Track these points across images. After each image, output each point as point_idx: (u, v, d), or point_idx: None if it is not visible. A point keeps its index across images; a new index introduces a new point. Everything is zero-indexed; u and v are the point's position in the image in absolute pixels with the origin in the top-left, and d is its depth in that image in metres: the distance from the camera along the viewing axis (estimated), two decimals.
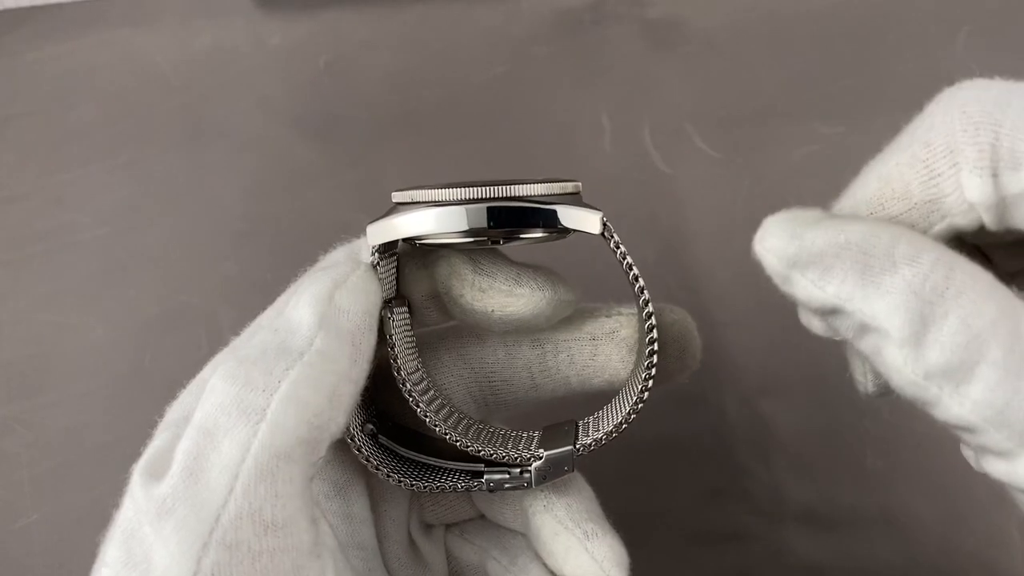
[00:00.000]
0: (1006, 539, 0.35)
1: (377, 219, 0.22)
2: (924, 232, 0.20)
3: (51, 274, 0.40)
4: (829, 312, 0.19)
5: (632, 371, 0.24)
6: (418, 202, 0.22)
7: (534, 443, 0.24)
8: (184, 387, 0.21)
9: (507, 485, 0.23)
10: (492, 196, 0.21)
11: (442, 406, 0.24)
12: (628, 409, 0.23)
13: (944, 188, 0.20)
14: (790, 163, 0.39)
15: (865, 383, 0.22)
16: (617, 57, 0.42)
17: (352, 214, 0.40)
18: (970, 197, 0.19)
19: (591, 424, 0.24)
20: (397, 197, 0.22)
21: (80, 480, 0.36)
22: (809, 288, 0.19)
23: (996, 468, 0.18)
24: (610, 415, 0.24)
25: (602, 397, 0.25)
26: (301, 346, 0.19)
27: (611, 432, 0.23)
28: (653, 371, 0.22)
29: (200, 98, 0.42)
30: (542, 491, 0.24)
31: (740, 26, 0.41)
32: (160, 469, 0.19)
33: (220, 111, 0.42)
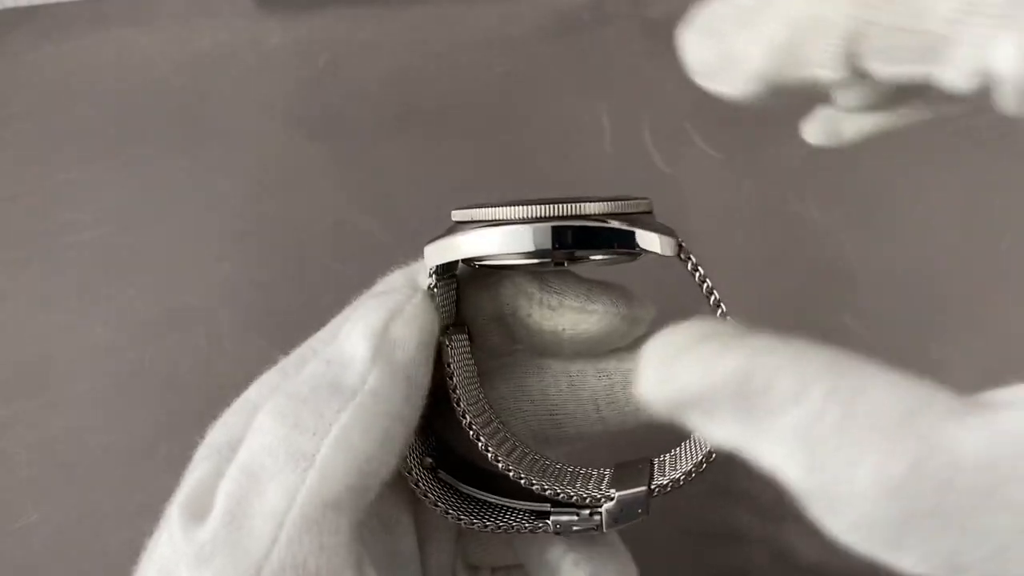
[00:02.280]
0: None
1: (435, 239, 0.21)
2: (892, 61, 0.16)
3: (51, 274, 0.40)
4: (736, 453, 0.16)
5: None
6: (479, 221, 0.21)
7: (605, 482, 0.22)
8: (228, 407, 0.21)
9: (575, 528, 0.22)
10: (560, 215, 0.20)
11: (505, 439, 0.23)
12: (709, 446, 0.21)
13: (974, 34, 0.15)
14: (790, 163, 0.39)
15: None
16: (617, 57, 0.41)
17: (352, 214, 0.40)
18: (999, 65, 0.15)
19: (667, 463, 0.23)
20: (457, 216, 0.21)
21: (80, 480, 0.36)
22: (701, 431, 0.16)
23: None
24: (688, 452, 0.22)
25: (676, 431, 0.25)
26: (354, 384, 0.19)
27: (690, 472, 0.21)
28: None
29: (200, 98, 0.42)
30: (573, 549, 0.22)
31: None
32: (201, 508, 0.18)
33: (220, 111, 0.42)
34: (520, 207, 0.20)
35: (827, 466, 0.15)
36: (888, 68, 0.16)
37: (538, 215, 0.20)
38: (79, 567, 0.35)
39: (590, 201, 0.20)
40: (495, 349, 0.24)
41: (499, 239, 0.20)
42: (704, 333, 0.16)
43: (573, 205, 0.20)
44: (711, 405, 0.16)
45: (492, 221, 0.20)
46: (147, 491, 0.38)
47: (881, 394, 0.15)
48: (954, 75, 0.16)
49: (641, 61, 0.41)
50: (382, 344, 0.19)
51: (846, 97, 0.18)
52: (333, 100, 0.42)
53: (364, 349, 0.19)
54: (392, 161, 0.41)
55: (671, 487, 0.21)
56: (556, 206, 0.20)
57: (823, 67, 0.17)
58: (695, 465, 0.21)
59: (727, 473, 0.37)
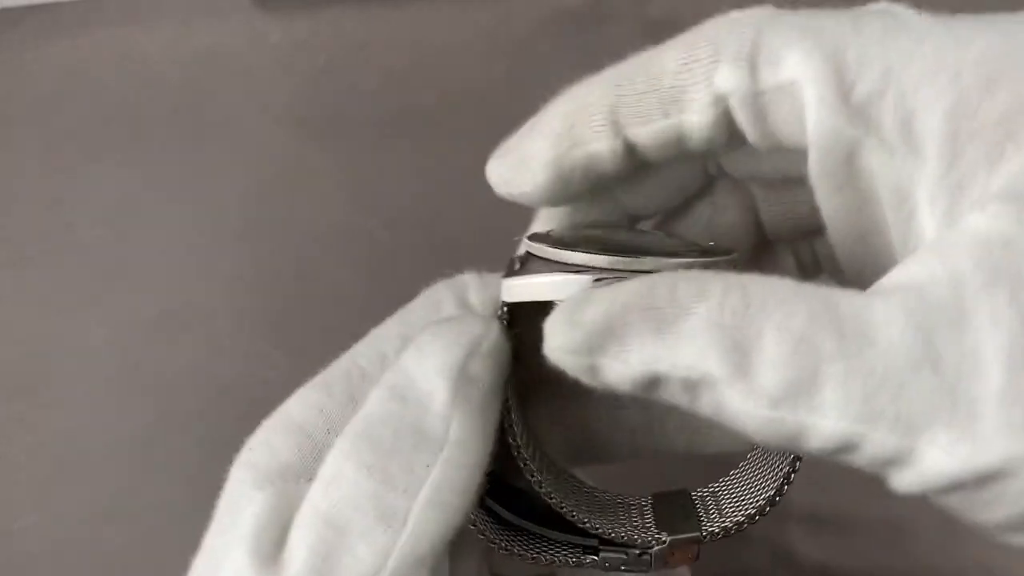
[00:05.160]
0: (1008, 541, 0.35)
1: (513, 274, 0.20)
2: (652, 124, 0.20)
3: (50, 274, 0.40)
4: (650, 386, 0.17)
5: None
6: (566, 264, 0.19)
7: (651, 521, 0.22)
8: (261, 423, 0.20)
9: (623, 567, 0.21)
10: (656, 270, 0.18)
11: (547, 465, 0.22)
12: (767, 496, 0.20)
13: (696, 75, 0.19)
14: None
15: None
16: (617, 57, 0.41)
17: (352, 214, 0.40)
18: (721, 86, 0.19)
19: (711, 501, 0.22)
20: (535, 249, 0.20)
21: (80, 481, 0.36)
22: (615, 367, 0.17)
23: (905, 480, 0.16)
24: (739, 493, 0.22)
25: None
26: (438, 432, 0.18)
27: (742, 522, 0.21)
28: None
29: (199, 97, 0.42)
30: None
31: None
32: (272, 548, 0.18)
33: (219, 110, 0.42)
34: (620, 258, 0.19)
35: (737, 341, 0.16)
36: (645, 129, 0.20)
37: (638, 268, 0.18)
38: (79, 567, 0.35)
39: (681, 255, 0.19)
40: (537, 371, 0.24)
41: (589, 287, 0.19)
42: (596, 289, 0.18)
43: (676, 259, 0.19)
44: (623, 327, 0.17)
45: (585, 268, 0.19)
46: (147, 491, 0.38)
47: (769, 280, 0.17)
48: (696, 116, 0.19)
49: None
50: (461, 385, 0.19)
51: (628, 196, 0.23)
52: (333, 100, 0.42)
53: (444, 390, 0.19)
54: (392, 161, 0.41)
55: (722, 535, 0.21)
56: (657, 259, 0.19)
57: (597, 140, 0.20)
58: (747, 517, 0.21)
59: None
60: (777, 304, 0.16)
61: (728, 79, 0.19)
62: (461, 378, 0.19)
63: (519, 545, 0.21)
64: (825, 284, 0.17)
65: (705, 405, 0.17)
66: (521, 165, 0.21)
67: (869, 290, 0.17)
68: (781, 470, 0.21)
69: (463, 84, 0.42)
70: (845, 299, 0.16)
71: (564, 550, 0.22)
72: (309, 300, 0.38)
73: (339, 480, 0.18)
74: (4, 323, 0.39)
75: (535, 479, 0.20)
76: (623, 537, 0.21)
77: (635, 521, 0.22)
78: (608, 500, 0.23)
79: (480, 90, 0.42)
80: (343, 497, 0.18)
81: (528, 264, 0.20)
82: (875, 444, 0.16)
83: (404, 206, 0.41)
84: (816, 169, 0.19)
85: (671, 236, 0.23)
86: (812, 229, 0.23)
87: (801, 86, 0.18)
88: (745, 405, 0.16)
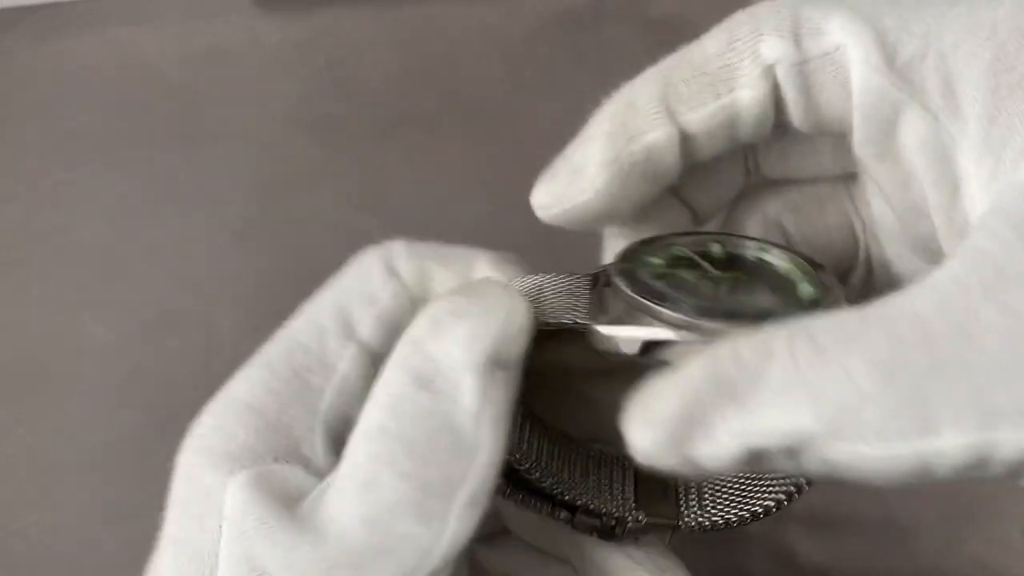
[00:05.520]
0: (1008, 541, 0.35)
1: (617, 321, 0.19)
2: (704, 108, 0.20)
3: (50, 274, 0.40)
4: (753, 460, 0.16)
5: None
6: (678, 325, 0.18)
7: (631, 495, 0.22)
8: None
9: (595, 533, 0.21)
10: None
11: (540, 436, 0.22)
12: (752, 510, 0.20)
13: (741, 52, 0.20)
14: None
15: None
16: (617, 57, 0.41)
17: (352, 214, 0.40)
18: (768, 56, 0.19)
19: (695, 493, 0.22)
20: (620, 284, 0.19)
21: (79, 481, 0.36)
22: (709, 452, 0.16)
23: None
24: (725, 494, 0.22)
25: None
26: (470, 435, 0.18)
27: (720, 524, 0.21)
28: None
29: (199, 97, 0.42)
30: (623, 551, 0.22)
31: None
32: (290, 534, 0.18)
33: (219, 111, 0.42)
34: (715, 324, 0.18)
35: (824, 387, 0.15)
36: (698, 114, 0.20)
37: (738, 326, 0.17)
38: (79, 567, 0.35)
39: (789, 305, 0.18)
40: (542, 368, 0.23)
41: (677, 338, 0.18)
42: (662, 376, 0.17)
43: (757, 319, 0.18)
44: (702, 411, 0.16)
45: (693, 330, 0.18)
46: (147, 491, 0.38)
47: (830, 318, 0.16)
48: (747, 91, 0.20)
49: (641, 61, 0.41)
50: (490, 375, 0.18)
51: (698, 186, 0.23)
52: (333, 100, 0.42)
53: (473, 382, 0.18)
54: (392, 161, 0.41)
55: (699, 531, 0.21)
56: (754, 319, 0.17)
57: (653, 129, 0.20)
58: (726, 521, 0.21)
59: None
60: (850, 338, 0.15)
61: (774, 48, 0.19)
62: (490, 366, 0.18)
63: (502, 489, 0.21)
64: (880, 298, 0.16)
65: (814, 465, 0.15)
66: (576, 175, 0.21)
67: (930, 283, 0.15)
68: (776, 490, 0.20)
69: (463, 84, 0.42)
70: (915, 303, 0.15)
71: (541, 503, 0.22)
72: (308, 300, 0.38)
73: (377, 486, 0.18)
74: (4, 323, 0.39)
75: (523, 467, 0.20)
76: (601, 510, 0.21)
77: (616, 491, 0.22)
78: (595, 460, 0.23)
79: (480, 90, 0.42)
80: (382, 502, 0.18)
81: (608, 300, 0.19)
82: (1007, 446, 0.14)
83: (404, 206, 0.41)
84: (860, 136, 0.20)
85: (784, 252, 0.21)
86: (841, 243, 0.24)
87: (845, 51, 0.19)
88: (855, 453, 0.15)
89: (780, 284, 0.20)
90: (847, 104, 0.20)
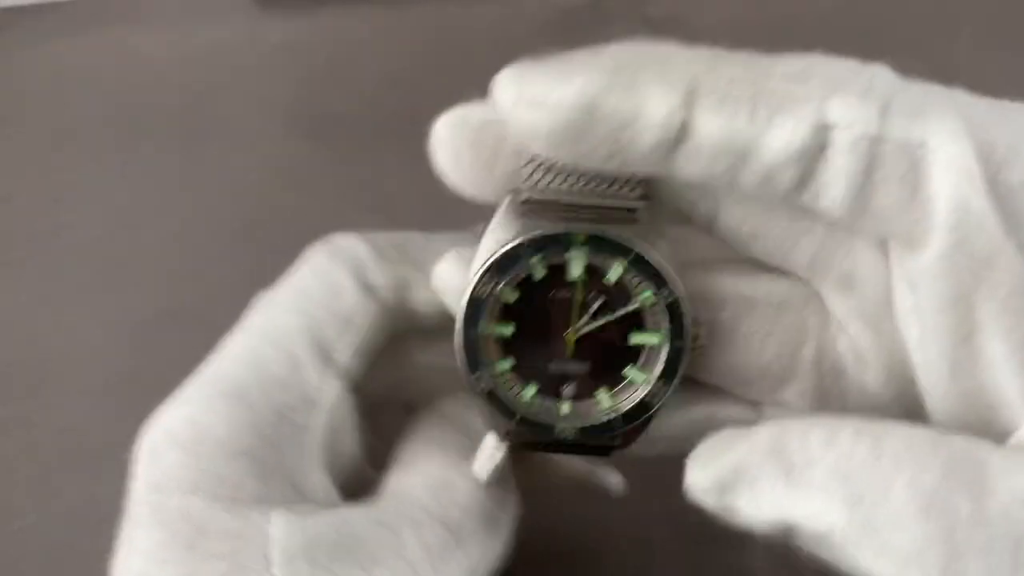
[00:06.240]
0: None
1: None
2: (724, 111, 0.17)
3: (48, 274, 0.40)
4: (786, 532, 0.17)
5: None
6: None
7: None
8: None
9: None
10: None
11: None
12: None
13: (809, 92, 0.17)
14: None
15: None
16: None
17: (352, 214, 0.40)
18: (835, 115, 0.16)
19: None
20: None
21: (78, 481, 0.36)
22: (748, 510, 0.17)
23: None
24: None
25: None
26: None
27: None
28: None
29: (199, 97, 0.42)
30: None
31: (741, 25, 0.41)
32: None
33: (219, 110, 0.42)
34: None
35: (864, 495, 0.15)
36: (717, 119, 0.17)
37: None
38: (78, 567, 0.35)
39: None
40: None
41: None
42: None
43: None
44: (756, 472, 0.17)
45: None
46: None
47: (905, 431, 0.16)
48: (786, 133, 0.16)
49: None
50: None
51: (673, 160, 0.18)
52: (333, 100, 0.42)
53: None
54: (392, 161, 0.41)
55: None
56: None
57: (657, 98, 0.17)
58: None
59: None
60: (911, 457, 0.15)
61: (850, 111, 0.16)
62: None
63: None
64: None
65: (838, 558, 0.16)
66: (555, 81, 0.18)
67: (1013, 443, 0.16)
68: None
69: (463, 84, 0.42)
70: (990, 452, 0.15)
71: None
72: None
73: (451, 488, 0.19)
74: (4, 323, 0.39)
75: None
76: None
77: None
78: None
79: (480, 90, 0.42)
80: (456, 504, 0.19)
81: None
82: None
83: (404, 206, 0.41)
84: (937, 260, 0.16)
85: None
86: None
87: (933, 151, 0.16)
88: (877, 563, 0.15)
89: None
90: (903, 211, 0.16)
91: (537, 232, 0.20)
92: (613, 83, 0.17)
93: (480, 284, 0.20)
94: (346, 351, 0.21)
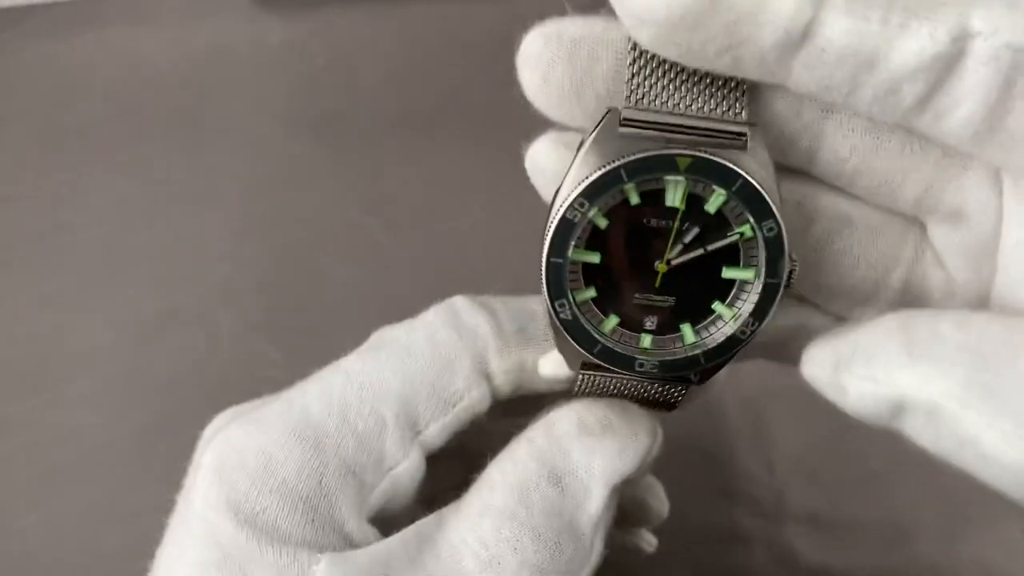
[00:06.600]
0: (1009, 542, 0.35)
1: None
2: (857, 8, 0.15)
3: (49, 274, 0.40)
4: (894, 413, 0.16)
5: None
6: None
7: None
8: None
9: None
10: None
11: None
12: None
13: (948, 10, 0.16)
14: None
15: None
16: None
17: (352, 214, 0.40)
18: (979, 25, 0.15)
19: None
20: None
21: (78, 481, 0.36)
22: (861, 386, 0.17)
23: None
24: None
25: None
26: (587, 544, 0.19)
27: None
28: None
29: (199, 97, 0.42)
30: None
31: None
32: None
33: (219, 110, 0.42)
34: None
35: (990, 361, 0.15)
36: (845, 21, 0.15)
37: None
38: (78, 567, 0.35)
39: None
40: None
41: None
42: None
43: None
44: (877, 347, 0.16)
45: None
46: (146, 491, 0.37)
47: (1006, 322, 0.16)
48: (923, 39, 0.15)
49: None
50: (615, 493, 0.19)
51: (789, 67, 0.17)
52: (333, 100, 0.42)
53: (601, 497, 0.19)
54: (392, 161, 0.41)
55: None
56: None
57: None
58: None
59: (729, 475, 0.37)
60: (1016, 351, 0.15)
61: (996, 18, 0.15)
62: (617, 487, 0.19)
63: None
64: None
65: (949, 439, 0.16)
66: None
67: None
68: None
69: (463, 84, 0.42)
70: None
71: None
72: (308, 300, 0.38)
73: (502, 568, 0.18)
74: (4, 323, 0.39)
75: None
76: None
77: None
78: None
79: (480, 90, 0.42)
80: (508, 560, 0.18)
81: None
82: None
83: (404, 206, 0.41)
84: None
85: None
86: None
87: None
88: (987, 431, 0.15)
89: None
90: None
91: (637, 154, 0.18)
92: None
93: (571, 207, 0.19)
94: (435, 429, 0.21)
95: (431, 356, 0.21)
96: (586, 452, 0.19)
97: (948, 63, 0.15)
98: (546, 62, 0.19)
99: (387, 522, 0.21)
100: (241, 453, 0.20)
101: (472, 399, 0.21)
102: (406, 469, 0.20)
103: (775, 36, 0.16)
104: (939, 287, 0.20)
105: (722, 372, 0.20)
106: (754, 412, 0.37)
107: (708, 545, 0.37)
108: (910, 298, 0.20)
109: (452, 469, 0.21)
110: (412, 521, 0.20)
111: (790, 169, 0.20)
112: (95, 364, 0.38)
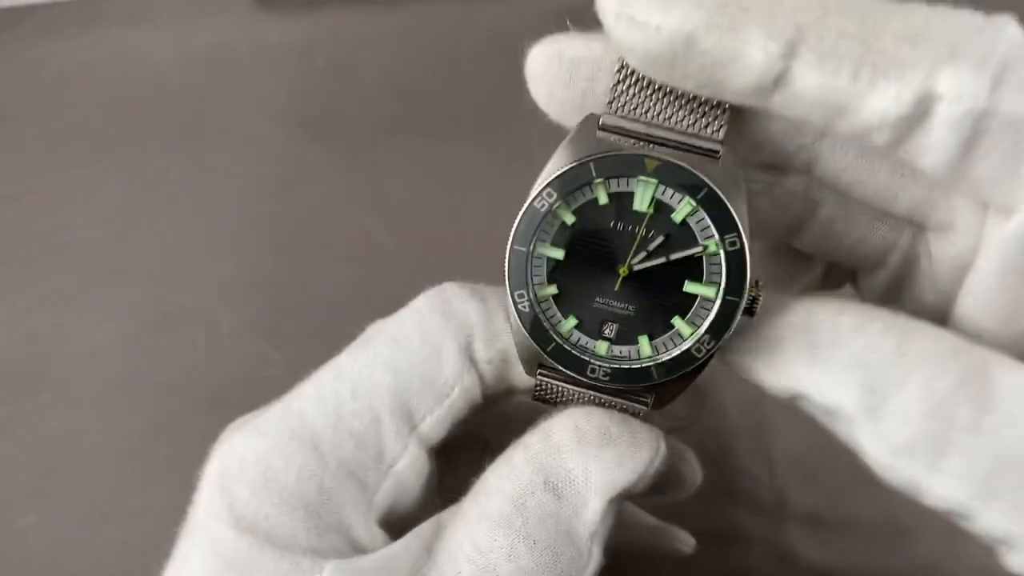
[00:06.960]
0: None
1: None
2: (828, 64, 0.16)
3: (49, 274, 0.40)
4: (794, 399, 0.18)
5: None
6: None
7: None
8: None
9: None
10: None
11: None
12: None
13: (921, 55, 0.16)
14: None
15: None
16: None
17: (352, 214, 0.40)
18: (944, 88, 0.16)
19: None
20: None
21: (79, 480, 0.36)
22: (766, 376, 0.18)
23: (1016, 562, 0.16)
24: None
25: None
26: (584, 553, 0.19)
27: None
28: None
29: (199, 97, 0.42)
30: None
31: None
32: None
33: (219, 110, 0.42)
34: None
35: (879, 386, 0.17)
36: (816, 75, 0.16)
37: None
38: (78, 567, 0.35)
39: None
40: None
41: None
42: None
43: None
44: (782, 343, 0.18)
45: None
46: (146, 491, 0.38)
47: (933, 333, 0.17)
48: (889, 99, 0.16)
49: None
50: (613, 506, 0.19)
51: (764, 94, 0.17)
52: (333, 100, 0.42)
53: (598, 508, 0.19)
54: (392, 161, 0.41)
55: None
56: None
57: (757, 43, 0.16)
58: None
59: (730, 475, 0.37)
60: (931, 360, 0.16)
61: (960, 83, 0.16)
62: (617, 498, 0.19)
63: None
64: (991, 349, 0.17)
65: (839, 432, 0.18)
66: (659, 3, 0.17)
67: None
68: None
69: (463, 84, 0.42)
70: (1005, 372, 0.16)
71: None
72: (308, 300, 0.38)
73: (494, 573, 0.18)
74: (4, 323, 0.39)
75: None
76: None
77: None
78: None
79: (480, 90, 0.42)
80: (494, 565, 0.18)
81: None
82: (988, 522, 0.16)
83: (404, 206, 0.41)
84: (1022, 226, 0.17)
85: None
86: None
87: None
88: (871, 446, 0.17)
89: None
90: (1002, 182, 0.16)
91: (607, 151, 0.19)
92: (714, 21, 0.16)
93: (538, 196, 0.20)
94: (432, 421, 0.21)
95: (419, 344, 0.21)
96: (583, 460, 0.19)
97: (912, 123, 0.16)
98: (549, 81, 0.20)
99: (405, 523, 0.21)
100: (241, 461, 0.20)
101: (464, 386, 0.21)
102: (408, 465, 0.20)
103: (748, 83, 0.17)
104: (928, 279, 0.21)
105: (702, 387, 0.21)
106: (754, 412, 0.37)
107: (708, 545, 0.37)
108: (906, 271, 0.21)
109: (473, 460, 0.21)
110: None
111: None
112: (95, 364, 0.38)
